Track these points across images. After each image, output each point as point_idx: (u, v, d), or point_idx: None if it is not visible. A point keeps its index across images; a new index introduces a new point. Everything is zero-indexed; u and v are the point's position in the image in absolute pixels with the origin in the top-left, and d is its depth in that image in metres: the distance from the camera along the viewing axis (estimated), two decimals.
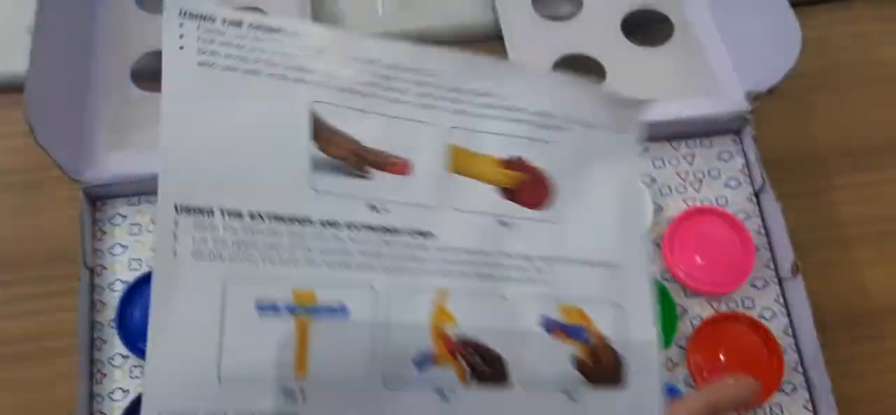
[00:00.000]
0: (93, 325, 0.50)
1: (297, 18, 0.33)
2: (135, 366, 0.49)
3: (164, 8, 0.23)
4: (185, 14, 0.23)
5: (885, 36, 0.64)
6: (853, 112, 0.61)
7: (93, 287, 0.51)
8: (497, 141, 0.28)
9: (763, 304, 0.51)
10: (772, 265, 0.52)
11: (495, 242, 0.27)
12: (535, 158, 0.28)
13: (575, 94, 0.29)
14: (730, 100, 0.54)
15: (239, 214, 0.22)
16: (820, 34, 0.63)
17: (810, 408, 0.49)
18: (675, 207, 0.53)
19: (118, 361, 0.49)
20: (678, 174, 0.54)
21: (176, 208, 0.22)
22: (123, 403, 0.48)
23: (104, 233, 0.52)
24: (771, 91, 0.52)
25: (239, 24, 0.24)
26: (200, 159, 0.22)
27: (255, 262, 0.23)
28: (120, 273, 0.51)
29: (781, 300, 0.51)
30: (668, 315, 0.49)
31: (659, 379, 0.29)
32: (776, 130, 0.59)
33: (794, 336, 0.51)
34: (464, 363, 0.26)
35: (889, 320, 0.55)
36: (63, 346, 0.49)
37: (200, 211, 0.22)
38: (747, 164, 0.54)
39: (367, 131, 0.25)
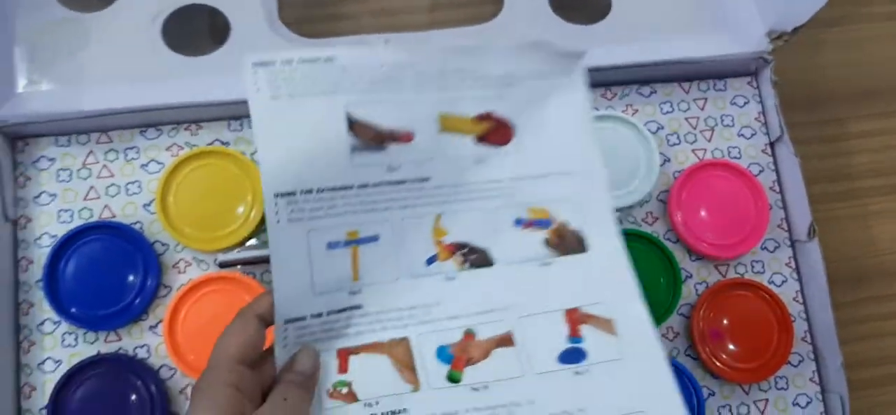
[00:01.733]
0: (17, 286, 0.43)
1: (326, 47, 0.40)
2: (68, 333, 0.43)
3: (242, 65, 0.34)
4: (256, 64, 0.34)
5: None
6: (870, 52, 0.56)
7: (16, 243, 0.44)
8: (472, 103, 0.38)
9: (774, 268, 0.47)
10: (785, 226, 0.47)
11: (474, 173, 0.38)
12: (501, 109, 0.38)
13: (527, 56, 0.38)
14: (748, 38, 0.48)
15: (310, 191, 0.35)
16: None
17: (817, 381, 0.46)
18: (684, 157, 0.48)
19: (48, 327, 0.43)
20: (687, 120, 0.48)
21: (275, 195, 0.34)
22: (56, 374, 0.42)
23: (28, 179, 0.44)
24: (795, 31, 0.46)
25: (290, 62, 0.35)
26: (283, 160, 0.34)
27: (322, 218, 0.35)
28: (48, 226, 0.44)
29: (793, 264, 0.47)
30: (672, 281, 0.45)
31: (619, 239, 0.38)
32: (785, 71, 0.53)
33: (805, 304, 0.47)
34: (460, 257, 0.37)
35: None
36: None
37: (288, 194, 0.35)
38: (764, 111, 0.49)
39: (381, 116, 0.36)
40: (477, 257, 0.38)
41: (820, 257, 0.45)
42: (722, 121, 0.48)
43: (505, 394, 0.35)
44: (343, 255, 0.36)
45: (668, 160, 0.48)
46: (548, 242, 0.38)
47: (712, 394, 0.45)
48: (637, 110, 0.48)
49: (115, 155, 0.45)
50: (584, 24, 0.49)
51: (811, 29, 0.46)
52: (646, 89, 0.49)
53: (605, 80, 0.49)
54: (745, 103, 0.49)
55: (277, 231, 0.34)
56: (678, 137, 0.48)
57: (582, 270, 0.38)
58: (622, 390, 0.36)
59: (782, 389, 0.45)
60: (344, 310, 0.36)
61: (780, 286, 0.47)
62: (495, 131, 0.38)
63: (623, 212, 0.47)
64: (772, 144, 0.48)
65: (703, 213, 0.46)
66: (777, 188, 0.48)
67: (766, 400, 0.45)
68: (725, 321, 0.45)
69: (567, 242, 0.38)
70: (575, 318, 0.37)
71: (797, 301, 0.47)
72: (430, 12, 0.53)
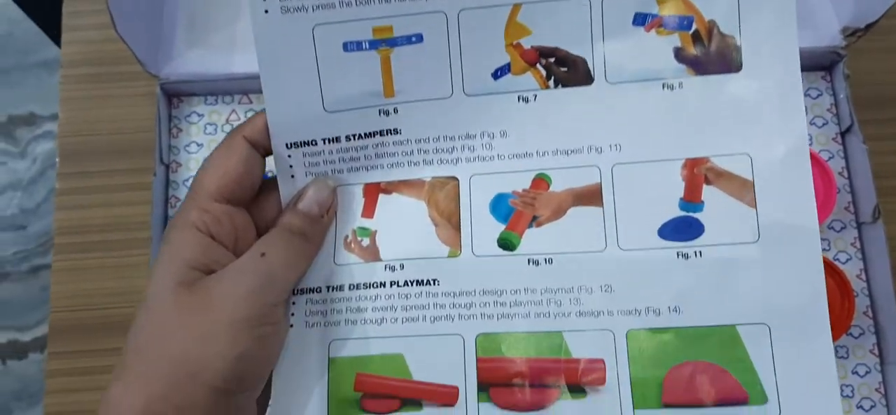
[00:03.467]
0: (166, 220, 0.51)
1: None
2: None
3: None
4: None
5: None
6: None
7: (168, 183, 0.51)
8: None
9: (840, 246, 0.50)
10: (852, 208, 0.51)
11: None
12: None
13: None
14: (823, 33, 0.52)
15: None
16: None
17: (877, 353, 0.49)
18: None
19: None
20: None
21: None
22: None
23: (180, 130, 0.52)
24: (868, 28, 0.50)
25: None
26: None
27: (335, 6, 0.25)
28: (194, 171, 0.51)
29: (858, 244, 0.51)
30: None
31: (795, 64, 0.26)
32: (864, 65, 0.56)
33: (867, 281, 0.50)
34: (542, 71, 0.26)
35: None
36: (138, 238, 0.50)
37: None
38: (836, 102, 0.53)
39: None
40: (569, 71, 0.26)
41: (883, 237, 0.48)
42: None
43: (574, 274, 0.26)
44: (368, 61, 0.26)
45: None
46: (681, 53, 0.26)
47: None
48: None
49: (253, 114, 0.52)
50: None
51: (890, 25, 0.49)
52: None
53: None
54: (819, 95, 0.53)
55: (265, 24, 0.25)
56: None
57: (728, 102, 0.26)
58: (746, 289, 0.25)
59: (842, 357, 0.49)
60: (373, 134, 0.27)
61: (845, 263, 0.50)
62: None
63: None
64: (842, 134, 0.52)
65: None
66: (846, 175, 0.52)
67: None
68: None
69: (712, 56, 0.26)
70: (697, 173, 0.26)
71: (860, 279, 0.50)
72: None
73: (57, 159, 0.52)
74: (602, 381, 0.26)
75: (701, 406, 0.25)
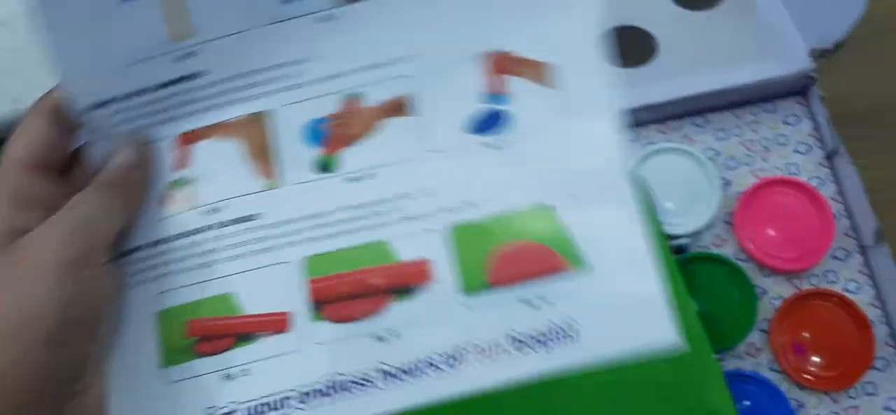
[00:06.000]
0: None
1: None
2: None
3: None
4: None
5: None
6: None
7: None
8: None
9: (847, 276, 0.48)
10: (852, 234, 0.48)
11: None
12: None
13: None
14: (792, 59, 0.50)
15: None
16: None
17: None
18: (744, 180, 0.50)
19: None
20: (743, 144, 0.50)
21: None
22: None
23: None
24: (837, 47, 0.48)
25: None
26: None
27: None
28: None
29: (866, 270, 0.48)
30: (747, 298, 0.46)
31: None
32: (843, 82, 0.55)
33: (883, 308, 0.47)
34: None
35: None
36: None
37: None
38: (816, 126, 0.50)
39: None
40: None
41: (891, 260, 0.46)
42: (777, 140, 0.50)
43: (393, 183, 0.27)
44: (151, 7, 0.26)
45: (730, 183, 0.50)
46: None
47: (802, 406, 0.45)
48: (693, 140, 0.51)
49: None
50: (635, 67, 0.52)
51: (863, 36, 0.47)
52: (699, 120, 0.51)
53: (659, 116, 0.51)
54: (798, 121, 0.51)
55: None
56: (736, 161, 0.50)
57: None
58: (553, 167, 0.27)
59: (871, 394, 0.46)
60: (174, 82, 0.27)
61: (855, 293, 0.47)
62: None
63: (692, 237, 0.49)
64: (829, 157, 0.50)
65: (769, 230, 0.48)
66: (839, 199, 0.49)
67: (858, 407, 0.45)
68: (805, 333, 0.46)
69: None
70: (499, 65, 0.27)
71: (874, 306, 0.47)
72: None
73: None
74: (426, 276, 0.27)
75: (524, 281, 0.27)
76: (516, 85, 0.27)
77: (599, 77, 0.27)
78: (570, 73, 0.27)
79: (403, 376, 0.26)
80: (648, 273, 0.27)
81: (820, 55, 0.49)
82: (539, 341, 0.26)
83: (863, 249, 0.48)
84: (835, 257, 0.48)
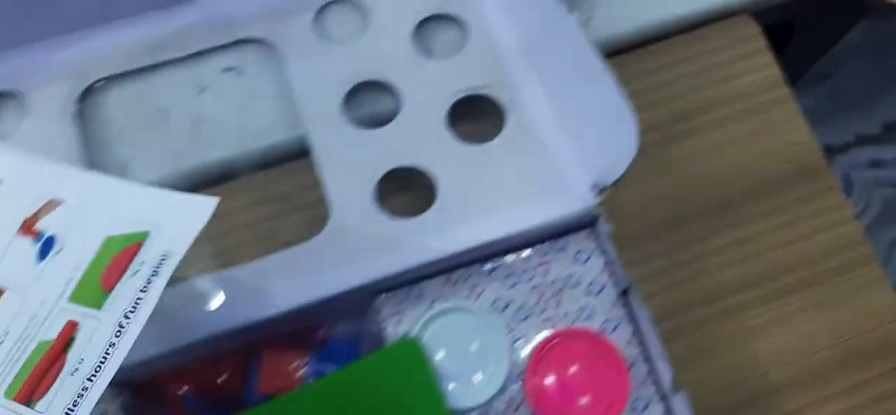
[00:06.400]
0: None
1: None
2: None
3: None
4: None
5: (738, 62, 0.58)
6: (718, 158, 0.56)
7: None
8: None
9: None
10: (650, 380, 0.46)
11: None
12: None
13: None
14: (575, 195, 0.47)
15: None
16: (669, 76, 0.57)
17: None
18: (537, 331, 0.46)
19: None
20: (534, 289, 0.47)
21: None
22: None
23: None
24: (615, 183, 0.45)
25: None
26: None
27: None
28: None
29: None
30: None
31: None
32: (635, 193, 0.52)
33: None
34: None
35: (786, 396, 0.50)
36: None
37: None
38: (607, 262, 0.47)
39: None
40: None
41: (688, 410, 0.43)
42: (568, 282, 0.47)
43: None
44: None
45: (521, 338, 0.46)
46: None
47: None
48: (482, 291, 0.47)
49: None
50: (413, 216, 0.48)
51: (652, 144, 0.45)
52: (487, 265, 0.47)
53: (446, 267, 0.47)
54: (588, 259, 0.48)
55: None
56: (527, 310, 0.46)
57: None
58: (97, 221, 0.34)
59: None
60: None
61: None
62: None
63: (483, 407, 0.45)
64: (624, 294, 0.47)
65: (564, 388, 0.44)
66: (636, 341, 0.46)
67: None
68: None
69: None
70: (29, 224, 0.35)
71: None
72: None
73: None
74: None
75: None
76: (44, 221, 0.35)
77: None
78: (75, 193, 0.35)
79: None
80: None
81: (602, 191, 0.46)
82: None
83: (663, 397, 0.45)
84: (633, 409, 0.45)
